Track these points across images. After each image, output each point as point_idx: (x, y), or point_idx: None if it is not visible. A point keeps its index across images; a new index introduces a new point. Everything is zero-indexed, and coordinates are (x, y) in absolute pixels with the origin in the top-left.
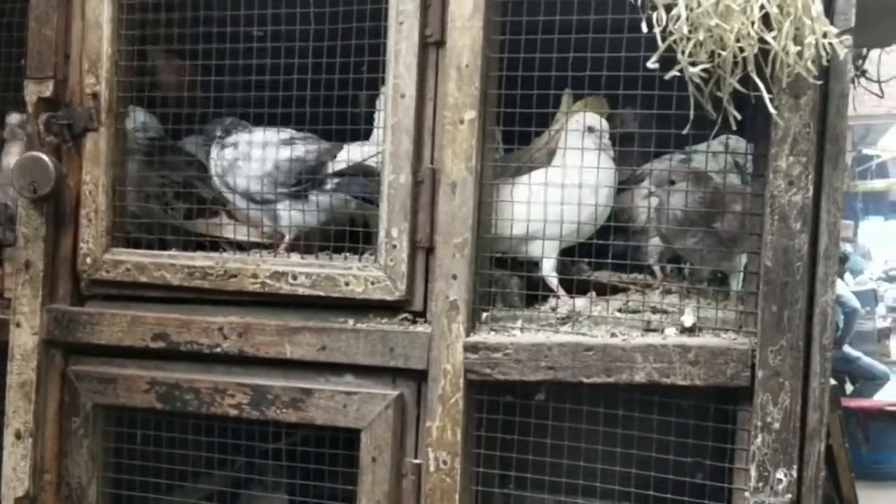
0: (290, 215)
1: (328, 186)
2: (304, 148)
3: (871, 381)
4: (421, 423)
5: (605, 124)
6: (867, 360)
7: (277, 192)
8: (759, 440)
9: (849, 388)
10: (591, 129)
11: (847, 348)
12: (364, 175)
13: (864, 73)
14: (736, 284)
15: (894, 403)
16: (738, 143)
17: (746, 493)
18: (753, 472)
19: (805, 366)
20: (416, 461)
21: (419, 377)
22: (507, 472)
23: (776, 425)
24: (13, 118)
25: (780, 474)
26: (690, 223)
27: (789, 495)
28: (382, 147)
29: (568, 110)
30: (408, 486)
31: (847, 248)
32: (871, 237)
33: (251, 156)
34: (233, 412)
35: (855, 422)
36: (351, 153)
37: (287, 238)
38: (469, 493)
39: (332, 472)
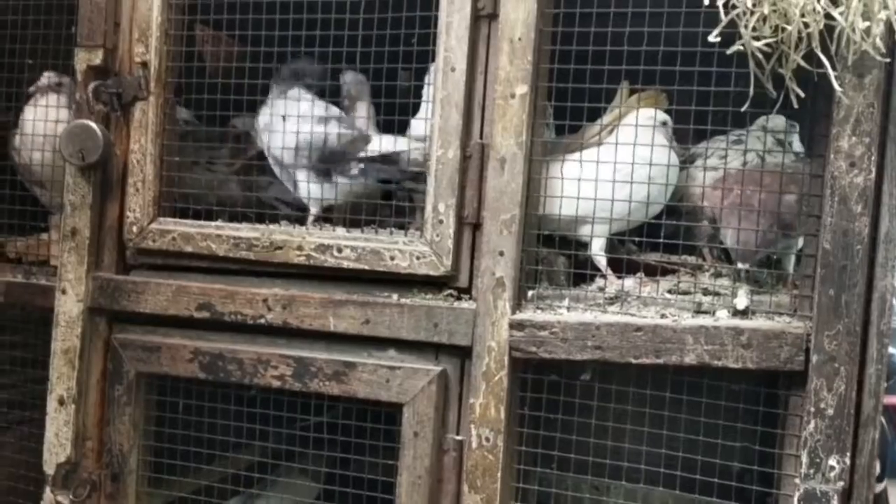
0: (310, 188)
1: (353, 171)
2: (335, 131)
3: None
4: (464, 400)
5: (669, 120)
6: None
7: (300, 164)
8: (811, 426)
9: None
10: (664, 124)
11: None
12: (389, 163)
13: None
14: (790, 267)
15: None
16: (773, 121)
17: (797, 480)
18: (805, 459)
19: (861, 351)
20: (459, 437)
21: (463, 354)
22: (550, 451)
23: (830, 411)
24: (42, 79)
25: (832, 461)
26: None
27: (841, 483)
28: (430, 122)
29: (623, 102)
30: (449, 462)
31: None
32: None
33: (286, 121)
34: (276, 383)
35: (887, 418)
36: (384, 144)
37: (313, 211)
38: (511, 471)
39: (372, 447)
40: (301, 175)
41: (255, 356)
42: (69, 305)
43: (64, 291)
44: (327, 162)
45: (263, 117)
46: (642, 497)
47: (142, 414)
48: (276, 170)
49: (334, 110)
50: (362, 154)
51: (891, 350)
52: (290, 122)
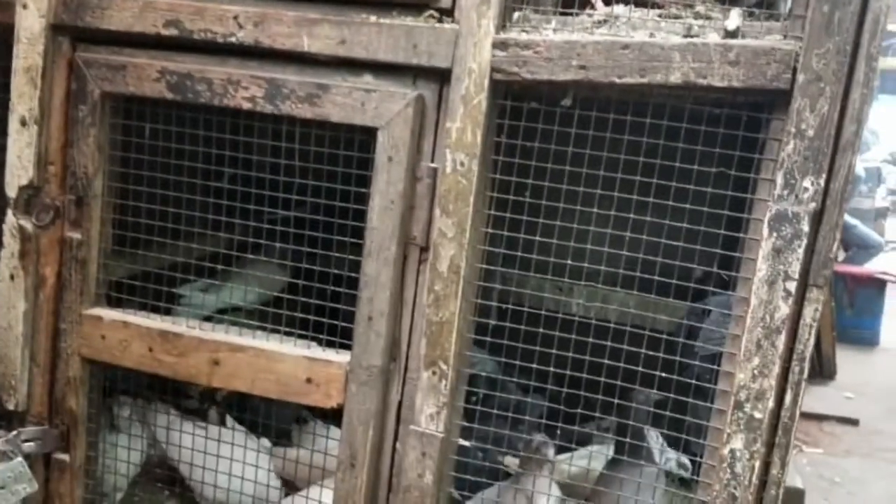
0: None
1: None
2: None
3: (865, 250)
4: (440, 128)
5: None
6: (864, 228)
7: None
8: (790, 147)
9: (842, 255)
10: None
11: (844, 216)
12: None
13: None
14: (784, 8)
15: (884, 272)
16: None
17: (770, 202)
18: (780, 180)
19: (849, 74)
20: (433, 165)
21: (442, 79)
22: (524, 180)
23: (810, 132)
24: None
25: (807, 183)
26: None
27: (814, 204)
28: None
29: None
30: (422, 189)
31: None
32: (882, 118)
33: None
34: (246, 105)
35: (843, 286)
36: None
37: None
38: (484, 197)
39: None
40: None
41: (225, 76)
42: (31, 21)
43: (25, 6)
44: None
45: None
46: (602, 298)
47: (107, 137)
48: None
49: None
50: None
51: (855, 222)
52: None
